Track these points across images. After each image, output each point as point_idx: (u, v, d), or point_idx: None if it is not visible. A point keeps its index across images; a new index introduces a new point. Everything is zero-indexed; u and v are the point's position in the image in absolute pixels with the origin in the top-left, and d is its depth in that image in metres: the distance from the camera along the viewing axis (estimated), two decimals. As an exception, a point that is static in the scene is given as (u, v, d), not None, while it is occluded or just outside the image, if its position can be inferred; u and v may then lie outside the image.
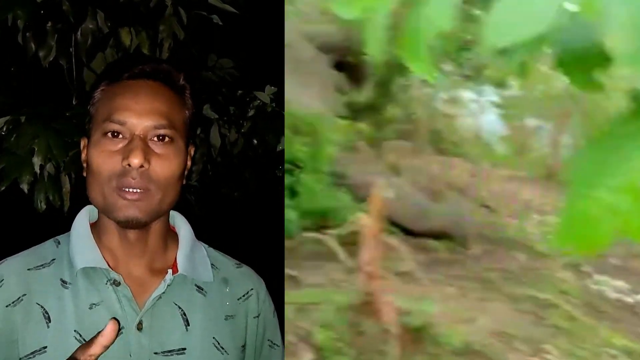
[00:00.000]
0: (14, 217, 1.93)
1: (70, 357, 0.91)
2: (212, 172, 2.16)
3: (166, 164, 1.04)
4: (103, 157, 1.03)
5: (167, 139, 1.05)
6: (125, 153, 1.02)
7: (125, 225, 1.05)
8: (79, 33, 1.83)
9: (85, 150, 1.09)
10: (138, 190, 1.02)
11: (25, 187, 1.73)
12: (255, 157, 2.27)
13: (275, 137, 2.24)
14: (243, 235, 2.19)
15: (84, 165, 1.10)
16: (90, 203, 1.10)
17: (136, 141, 1.02)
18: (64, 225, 1.16)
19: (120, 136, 1.03)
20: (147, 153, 1.02)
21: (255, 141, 2.24)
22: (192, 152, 1.16)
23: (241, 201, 2.31)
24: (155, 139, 1.05)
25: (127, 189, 1.01)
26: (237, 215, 2.36)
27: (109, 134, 1.03)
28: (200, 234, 1.22)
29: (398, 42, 0.58)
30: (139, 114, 1.03)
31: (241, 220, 2.36)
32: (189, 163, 1.13)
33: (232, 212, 2.34)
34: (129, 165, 1.01)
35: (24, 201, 1.75)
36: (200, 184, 2.09)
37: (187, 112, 1.11)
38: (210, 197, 2.16)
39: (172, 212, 1.17)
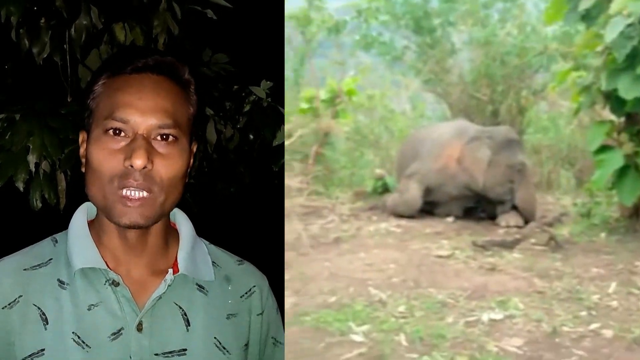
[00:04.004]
0: (10, 216, 1.92)
1: None
2: (207, 169, 2.15)
3: (170, 164, 1.01)
4: (104, 156, 0.99)
5: (171, 138, 1.02)
6: (128, 153, 0.98)
7: (126, 227, 1.02)
8: (72, 29, 1.82)
9: (84, 145, 1.05)
10: (140, 195, 0.99)
11: (20, 185, 1.71)
12: (251, 152, 2.26)
13: (271, 131, 2.23)
14: (241, 231, 2.18)
15: (83, 160, 1.06)
16: (87, 200, 1.07)
17: (139, 141, 0.99)
18: (60, 223, 1.14)
19: (123, 134, 1.00)
20: (151, 153, 0.99)
21: (251, 136, 2.23)
22: (195, 149, 1.12)
23: (238, 196, 2.31)
24: (159, 138, 1.01)
25: (129, 193, 0.98)
26: (234, 210, 2.35)
27: (111, 132, 1.00)
28: (198, 231, 1.20)
29: None
30: (142, 112, 1.00)
31: (238, 216, 2.35)
32: (191, 161, 1.09)
33: (229, 208, 2.33)
34: (131, 166, 0.97)
35: (19, 199, 1.74)
36: (196, 180, 2.08)
37: (191, 108, 1.07)
38: (207, 194, 2.15)
39: None
